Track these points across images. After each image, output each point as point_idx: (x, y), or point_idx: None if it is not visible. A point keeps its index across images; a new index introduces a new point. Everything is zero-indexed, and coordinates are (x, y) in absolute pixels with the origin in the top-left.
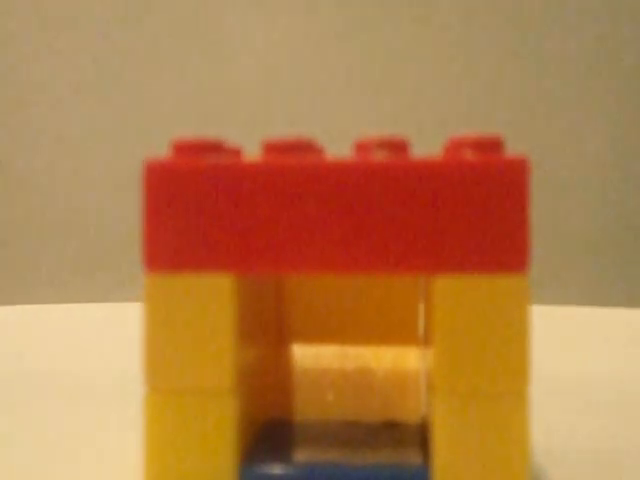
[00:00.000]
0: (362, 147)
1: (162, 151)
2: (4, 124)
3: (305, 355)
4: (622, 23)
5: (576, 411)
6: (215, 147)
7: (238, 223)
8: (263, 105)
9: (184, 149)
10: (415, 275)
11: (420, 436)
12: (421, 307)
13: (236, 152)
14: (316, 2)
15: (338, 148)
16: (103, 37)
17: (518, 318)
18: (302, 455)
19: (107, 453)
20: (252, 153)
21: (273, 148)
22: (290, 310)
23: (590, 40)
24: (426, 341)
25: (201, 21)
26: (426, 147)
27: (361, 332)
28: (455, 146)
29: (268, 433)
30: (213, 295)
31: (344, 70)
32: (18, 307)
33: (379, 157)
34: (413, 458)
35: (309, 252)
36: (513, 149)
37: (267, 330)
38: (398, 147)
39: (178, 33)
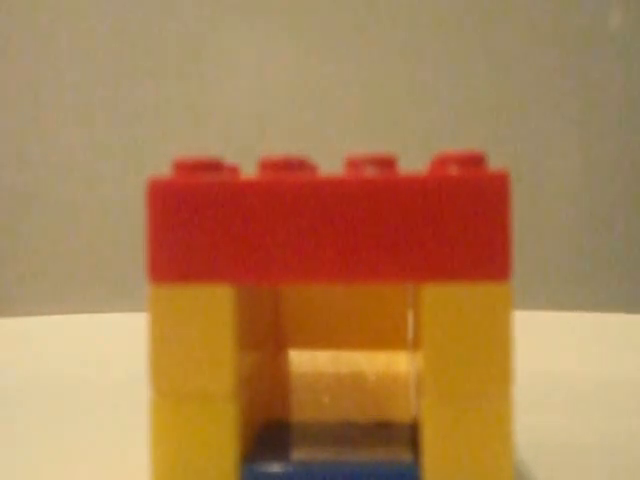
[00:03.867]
0: (353, 164)
1: (164, 170)
2: (10, 140)
3: (301, 360)
4: (597, 43)
5: (556, 410)
6: (214, 165)
7: (237, 237)
8: (259, 126)
9: (185, 167)
10: (404, 284)
11: (411, 435)
12: (410, 314)
13: (234, 170)
14: (308, 27)
15: (330, 165)
16: (106, 60)
17: (501, 323)
18: (300, 454)
19: (116, 454)
20: (249, 171)
21: (269, 166)
22: (286, 318)
23: (565, 60)
24: (415, 345)
25: (200, 47)
26: (413, 163)
27: (354, 338)
28: (440, 162)
29: (267, 434)
30: (214, 305)
31: (335, 92)
32: (30, 319)
33: (369, 173)
34: (404, 456)
35: (304, 264)
36: (495, 163)
37: (265, 337)
38: (387, 163)
39: (178, 59)
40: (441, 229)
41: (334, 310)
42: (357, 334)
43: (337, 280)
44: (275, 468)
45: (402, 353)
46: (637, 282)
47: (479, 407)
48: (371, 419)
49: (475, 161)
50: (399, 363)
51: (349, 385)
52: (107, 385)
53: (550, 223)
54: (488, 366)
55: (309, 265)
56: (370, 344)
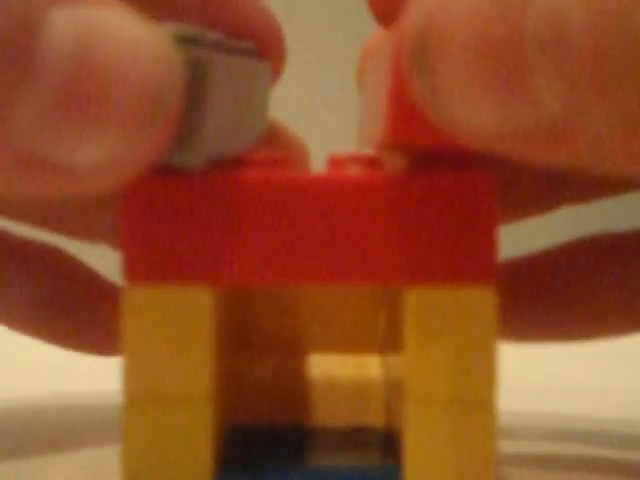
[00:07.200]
0: (337, 163)
1: None
2: None
3: (274, 364)
4: None
5: (540, 417)
6: None
7: (214, 236)
8: None
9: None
10: (389, 286)
11: (384, 439)
12: (381, 316)
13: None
14: (295, 33)
15: (315, 164)
16: None
17: (486, 328)
18: (274, 460)
19: (89, 462)
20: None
21: (249, 164)
22: (259, 322)
23: None
24: (392, 348)
25: None
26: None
27: (326, 341)
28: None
29: (241, 440)
30: (191, 306)
31: (322, 94)
32: None
33: (353, 172)
34: (378, 460)
35: (284, 265)
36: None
37: (238, 341)
38: (372, 164)
39: None
40: (426, 231)
41: (306, 314)
42: (329, 338)
43: (320, 281)
44: (249, 476)
45: (374, 357)
46: None
47: (462, 412)
48: (344, 423)
49: (460, 164)
50: (370, 367)
51: (321, 389)
52: (90, 388)
53: (537, 227)
54: (472, 371)
55: (290, 266)
56: (342, 348)
